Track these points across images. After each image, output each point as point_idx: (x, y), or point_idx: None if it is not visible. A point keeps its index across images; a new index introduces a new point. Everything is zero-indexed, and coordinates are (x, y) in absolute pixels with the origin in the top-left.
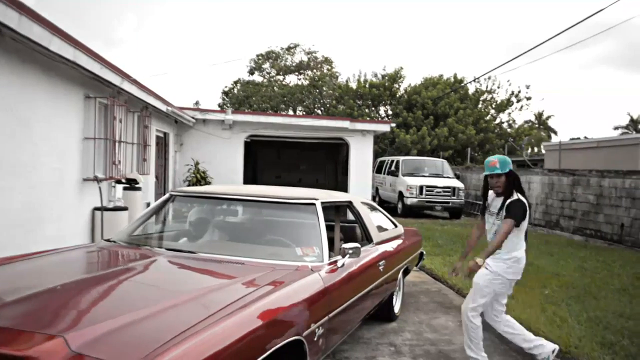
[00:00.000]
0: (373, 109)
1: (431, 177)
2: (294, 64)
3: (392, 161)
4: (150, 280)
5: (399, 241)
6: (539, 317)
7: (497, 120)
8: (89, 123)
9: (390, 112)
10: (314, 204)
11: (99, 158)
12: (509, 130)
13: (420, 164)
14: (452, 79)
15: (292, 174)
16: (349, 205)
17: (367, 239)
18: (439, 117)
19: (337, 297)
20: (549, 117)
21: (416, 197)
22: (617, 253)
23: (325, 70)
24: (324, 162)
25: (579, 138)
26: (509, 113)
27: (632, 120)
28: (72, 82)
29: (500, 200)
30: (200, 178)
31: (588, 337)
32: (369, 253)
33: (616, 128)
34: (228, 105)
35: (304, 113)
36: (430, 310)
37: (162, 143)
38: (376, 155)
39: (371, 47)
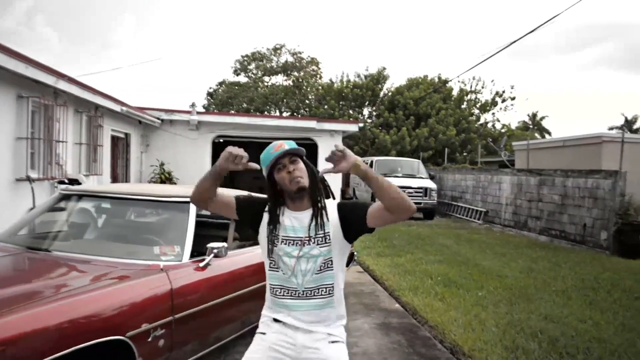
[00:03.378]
0: (357, 109)
1: (404, 177)
2: (279, 65)
3: (368, 162)
4: None
5: None
6: (458, 320)
7: (482, 120)
8: (21, 123)
9: (374, 113)
10: (188, 202)
11: (38, 158)
12: (500, 130)
13: (395, 165)
14: (437, 80)
15: None
16: None
17: None
18: (421, 118)
19: (193, 298)
20: (543, 117)
21: None
22: (575, 254)
23: (310, 71)
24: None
25: None
26: (493, 113)
27: (626, 120)
28: (1, 82)
29: (307, 214)
30: (165, 179)
31: (496, 341)
32: (258, 253)
33: (611, 128)
34: (213, 106)
35: (290, 114)
36: (353, 312)
37: (124, 144)
38: (357, 155)
39: (357, 48)
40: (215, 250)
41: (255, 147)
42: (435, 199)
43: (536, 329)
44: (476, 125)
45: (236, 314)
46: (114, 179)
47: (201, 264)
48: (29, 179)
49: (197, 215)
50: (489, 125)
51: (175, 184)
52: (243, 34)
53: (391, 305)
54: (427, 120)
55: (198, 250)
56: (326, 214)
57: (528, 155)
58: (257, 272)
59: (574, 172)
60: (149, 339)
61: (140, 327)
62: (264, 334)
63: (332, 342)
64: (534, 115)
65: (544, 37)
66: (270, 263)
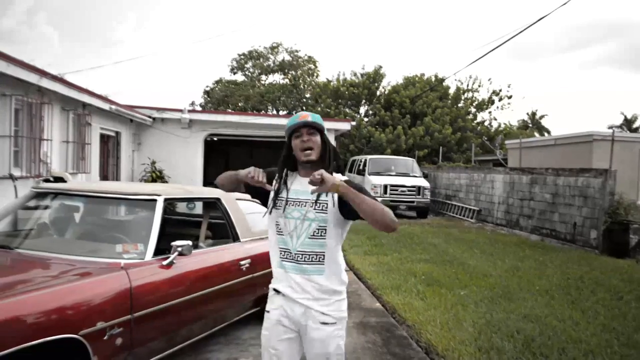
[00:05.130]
0: (353, 108)
1: (397, 176)
2: (276, 64)
3: (362, 160)
4: None
5: None
6: (435, 319)
7: (479, 119)
8: (4, 121)
9: (370, 112)
10: (154, 200)
11: (22, 156)
12: (497, 129)
13: (388, 163)
14: (433, 78)
15: None
16: (217, 201)
17: (233, 237)
18: (417, 116)
19: (155, 296)
20: (542, 116)
21: (380, 197)
22: (564, 253)
23: (307, 69)
24: None
25: None
26: (490, 112)
27: (625, 119)
28: None
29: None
30: (156, 177)
31: (471, 341)
32: (229, 251)
33: (610, 127)
34: (209, 105)
35: (286, 113)
36: None
37: (114, 142)
38: (352, 154)
39: (354, 46)
40: (179, 249)
41: (247, 145)
42: (429, 197)
43: (514, 328)
44: (473, 124)
45: (205, 312)
46: (104, 177)
47: (165, 262)
48: (11, 177)
49: (172, 214)
50: (486, 123)
51: (166, 182)
52: (241, 33)
53: (372, 304)
54: (423, 118)
55: (169, 249)
56: None
57: (520, 153)
58: (227, 270)
59: (565, 171)
60: (105, 338)
61: (95, 326)
62: (268, 312)
63: (323, 322)
64: (534, 114)
65: (545, 36)
66: (277, 226)
